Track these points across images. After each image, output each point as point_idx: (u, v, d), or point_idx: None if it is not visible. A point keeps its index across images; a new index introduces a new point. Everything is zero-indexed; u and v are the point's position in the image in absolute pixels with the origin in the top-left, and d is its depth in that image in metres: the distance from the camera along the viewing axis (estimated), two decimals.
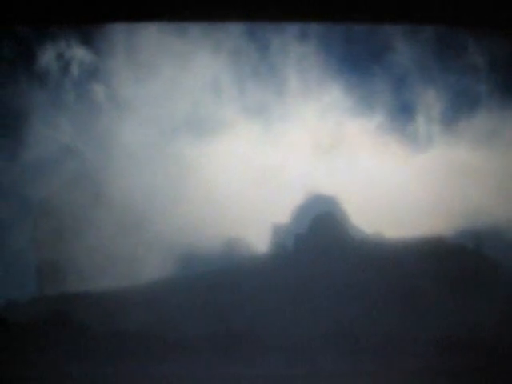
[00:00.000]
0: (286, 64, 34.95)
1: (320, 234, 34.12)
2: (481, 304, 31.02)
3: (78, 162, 35.19)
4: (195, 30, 33.45)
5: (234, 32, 34.31)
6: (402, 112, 35.36)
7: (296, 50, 34.75)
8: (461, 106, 34.41)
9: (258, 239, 33.86)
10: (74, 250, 33.77)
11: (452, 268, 32.12)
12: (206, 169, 34.42)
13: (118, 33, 33.76)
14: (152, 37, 33.94)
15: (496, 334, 29.30)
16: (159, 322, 30.54)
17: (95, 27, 31.72)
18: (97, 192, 34.64)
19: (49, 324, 30.70)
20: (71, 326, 30.65)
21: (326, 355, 29.06)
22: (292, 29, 33.97)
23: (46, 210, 34.89)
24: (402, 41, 34.16)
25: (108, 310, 31.35)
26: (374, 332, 29.89)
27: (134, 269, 34.75)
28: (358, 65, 34.90)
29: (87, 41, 34.51)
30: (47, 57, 34.72)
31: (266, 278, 32.58)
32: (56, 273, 34.00)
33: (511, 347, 28.74)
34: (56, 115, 34.48)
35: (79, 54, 34.86)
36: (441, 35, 33.35)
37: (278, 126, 34.54)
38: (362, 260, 32.78)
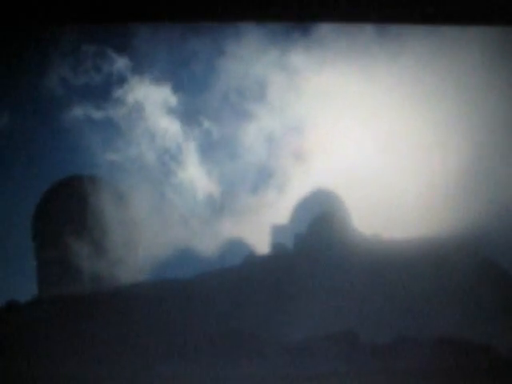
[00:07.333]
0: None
1: (320, 234, 34.12)
2: (481, 304, 31.03)
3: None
4: None
5: None
6: None
7: None
8: None
9: (258, 240, 33.87)
10: (75, 250, 33.78)
11: (452, 268, 32.15)
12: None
13: None
14: None
15: (496, 335, 29.31)
16: (159, 323, 30.56)
17: None
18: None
19: (49, 324, 30.72)
20: (71, 326, 30.66)
21: (326, 355, 29.05)
22: None
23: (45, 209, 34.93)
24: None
25: (108, 310, 31.37)
26: (375, 332, 29.90)
27: (134, 269, 34.74)
28: None
29: None
30: None
31: (265, 278, 32.60)
32: (56, 273, 34.02)
33: (511, 348, 28.78)
34: None
35: None
36: None
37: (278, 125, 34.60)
38: (362, 261, 32.78)
